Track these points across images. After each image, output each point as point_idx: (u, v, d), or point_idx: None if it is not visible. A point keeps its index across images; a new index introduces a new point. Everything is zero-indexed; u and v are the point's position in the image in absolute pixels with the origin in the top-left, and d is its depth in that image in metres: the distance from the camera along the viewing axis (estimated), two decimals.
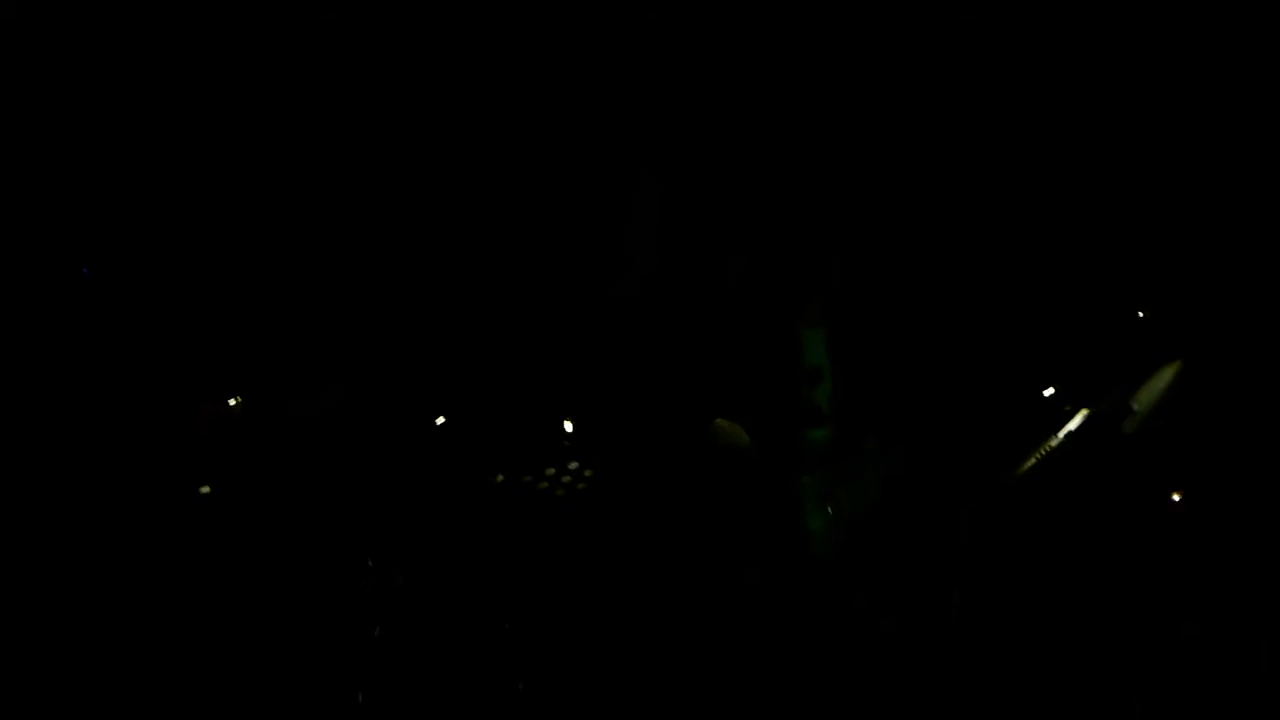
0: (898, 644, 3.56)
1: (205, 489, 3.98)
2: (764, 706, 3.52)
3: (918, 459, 3.75)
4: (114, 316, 4.09)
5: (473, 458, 4.01)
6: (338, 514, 3.97)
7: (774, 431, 3.60)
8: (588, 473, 3.94)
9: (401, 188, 4.18)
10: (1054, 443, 3.75)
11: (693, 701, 3.58)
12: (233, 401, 4.05)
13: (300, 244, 4.18)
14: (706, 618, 3.68)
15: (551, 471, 3.95)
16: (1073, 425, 3.77)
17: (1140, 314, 3.87)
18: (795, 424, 3.54)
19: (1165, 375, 3.78)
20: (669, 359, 4.04)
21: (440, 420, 4.03)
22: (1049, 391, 3.84)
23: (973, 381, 3.92)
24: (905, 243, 4.10)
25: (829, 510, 3.55)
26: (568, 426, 4.00)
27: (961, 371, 3.94)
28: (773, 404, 3.57)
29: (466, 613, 3.86)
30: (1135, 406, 3.75)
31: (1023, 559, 3.76)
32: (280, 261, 4.18)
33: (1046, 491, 3.77)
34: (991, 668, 3.60)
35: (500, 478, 3.96)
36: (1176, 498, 3.74)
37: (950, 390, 3.92)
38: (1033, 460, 3.77)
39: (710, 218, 4.10)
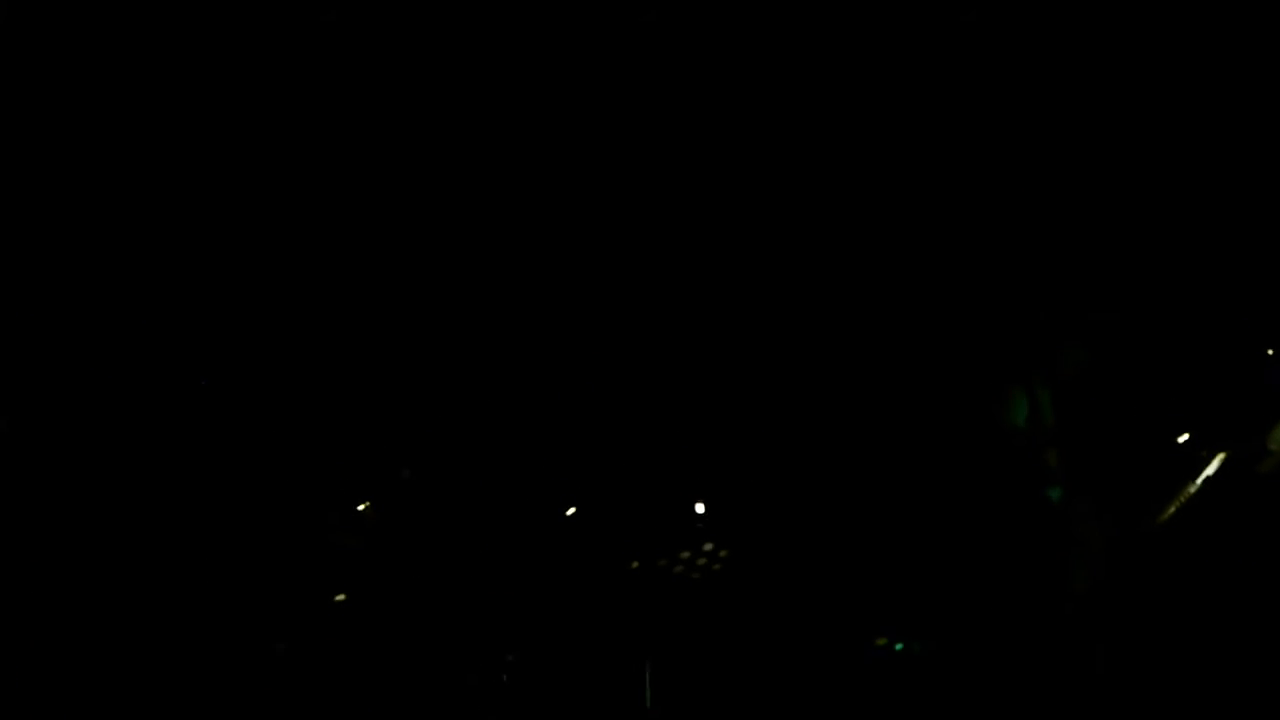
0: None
1: None
2: None
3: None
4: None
5: (607, 544, 4.03)
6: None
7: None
8: (723, 553, 3.94)
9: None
10: (1193, 489, 3.71)
11: None
12: None
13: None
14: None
15: (686, 555, 3.95)
16: (1210, 470, 3.72)
17: (1271, 353, 3.80)
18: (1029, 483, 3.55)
19: None
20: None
21: (571, 510, 4.05)
22: (1184, 438, 3.79)
23: (1113, 427, 3.87)
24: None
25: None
26: (699, 508, 4.00)
27: (1100, 418, 3.90)
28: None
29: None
30: (1272, 447, 3.69)
31: (1169, 604, 3.71)
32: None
33: (1189, 536, 3.72)
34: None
35: (635, 564, 3.97)
36: None
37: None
38: (1173, 507, 3.72)
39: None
